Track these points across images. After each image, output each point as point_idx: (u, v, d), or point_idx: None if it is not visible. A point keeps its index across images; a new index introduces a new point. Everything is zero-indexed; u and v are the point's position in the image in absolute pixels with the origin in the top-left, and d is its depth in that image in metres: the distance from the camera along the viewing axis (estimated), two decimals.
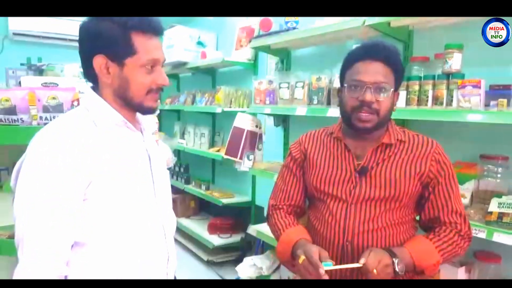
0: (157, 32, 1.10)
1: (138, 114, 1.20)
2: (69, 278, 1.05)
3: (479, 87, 1.56)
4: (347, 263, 1.26)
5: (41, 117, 1.47)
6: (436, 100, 1.76)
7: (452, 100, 1.70)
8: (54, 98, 1.47)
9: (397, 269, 1.18)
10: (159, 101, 1.16)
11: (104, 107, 1.10)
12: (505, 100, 1.48)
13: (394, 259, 1.19)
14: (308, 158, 1.43)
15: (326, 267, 1.16)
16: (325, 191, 1.34)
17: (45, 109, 1.47)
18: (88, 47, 1.07)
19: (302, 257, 1.21)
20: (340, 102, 1.35)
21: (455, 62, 1.71)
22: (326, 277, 1.15)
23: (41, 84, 1.56)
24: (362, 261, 1.18)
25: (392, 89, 1.27)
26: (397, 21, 1.99)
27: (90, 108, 1.10)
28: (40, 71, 4.14)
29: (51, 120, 1.46)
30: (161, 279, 1.20)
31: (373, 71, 1.24)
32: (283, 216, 1.45)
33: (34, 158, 1.00)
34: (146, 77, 1.08)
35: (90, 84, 1.15)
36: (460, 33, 1.91)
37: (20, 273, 0.99)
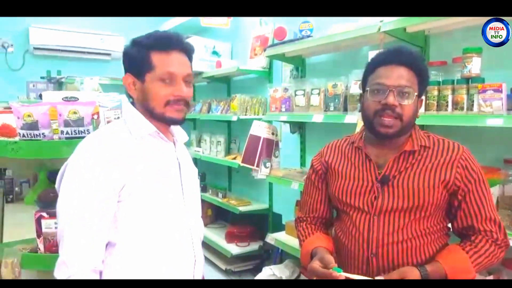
0: (178, 48, 1.20)
1: (172, 127, 1.31)
2: (101, 275, 1.14)
3: (501, 91, 1.53)
4: (372, 275, 1.24)
5: (62, 132, 1.50)
6: (456, 105, 1.72)
7: (472, 105, 1.67)
8: (75, 112, 1.49)
9: None
10: (183, 113, 1.24)
11: (139, 118, 1.21)
12: None
13: None
14: (331, 169, 1.41)
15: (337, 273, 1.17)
16: (348, 202, 1.32)
17: (66, 124, 1.49)
18: (124, 69, 1.23)
19: (315, 277, 1.22)
20: (362, 107, 1.32)
21: (474, 66, 1.69)
22: (342, 277, 1.16)
23: (62, 99, 1.59)
24: (378, 277, 1.17)
25: (416, 94, 1.24)
26: (412, 26, 1.97)
27: (127, 119, 1.23)
28: (59, 84, 4.24)
29: (72, 134, 1.49)
30: (164, 280, 1.25)
31: (397, 75, 1.22)
32: (305, 228, 1.47)
33: (75, 164, 1.13)
34: (163, 89, 1.17)
35: (130, 100, 1.29)
36: (477, 37, 1.87)
37: (59, 268, 1.09)
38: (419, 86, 1.25)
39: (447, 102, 1.76)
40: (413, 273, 1.18)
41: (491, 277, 1.71)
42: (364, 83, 1.33)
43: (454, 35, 1.99)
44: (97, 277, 1.12)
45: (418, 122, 1.81)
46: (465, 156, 1.26)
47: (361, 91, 1.37)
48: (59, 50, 4.57)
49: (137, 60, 1.18)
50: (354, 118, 2.11)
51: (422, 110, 1.83)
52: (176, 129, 1.34)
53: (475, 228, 1.25)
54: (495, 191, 1.70)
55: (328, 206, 1.47)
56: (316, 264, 1.21)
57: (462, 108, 1.70)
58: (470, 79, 1.70)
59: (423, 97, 1.36)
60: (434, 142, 1.29)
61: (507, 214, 1.60)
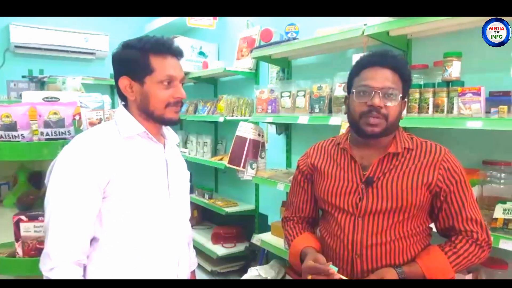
0: (172, 52, 1.25)
1: (164, 129, 1.35)
2: (85, 269, 1.19)
3: (479, 94, 1.56)
4: (356, 277, 1.25)
5: (42, 133, 1.48)
6: (437, 107, 1.75)
7: (453, 108, 1.70)
8: (55, 113, 1.48)
9: None
10: (179, 113, 1.29)
11: (129, 119, 1.25)
12: (505, 107, 1.48)
13: None
14: (317, 170, 1.43)
15: (333, 268, 1.19)
16: (333, 203, 1.33)
17: (46, 125, 1.47)
18: (116, 71, 1.26)
19: (309, 276, 1.23)
20: (347, 109, 1.34)
21: (454, 69, 1.71)
22: (336, 276, 1.19)
23: (43, 99, 1.57)
24: None
25: (400, 95, 1.26)
26: (395, 30, 2.00)
27: (118, 121, 1.26)
28: (41, 83, 4.15)
29: (52, 135, 1.48)
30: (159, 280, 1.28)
31: (382, 77, 1.24)
32: (292, 227, 1.49)
33: (63, 160, 1.18)
34: (163, 92, 1.23)
35: (123, 103, 1.32)
36: (457, 41, 1.92)
37: (43, 259, 1.14)
38: (403, 88, 1.28)
39: (428, 104, 1.78)
40: (390, 274, 1.20)
41: (470, 276, 1.74)
42: (349, 85, 1.34)
43: (435, 39, 2.02)
44: (80, 270, 1.17)
45: (400, 124, 1.84)
46: (447, 158, 1.28)
47: (346, 93, 1.38)
48: (41, 48, 4.47)
49: (135, 63, 1.22)
50: (339, 120, 2.13)
51: (404, 112, 1.86)
52: (167, 131, 1.38)
53: (456, 229, 1.27)
54: (474, 192, 1.73)
55: (313, 206, 1.49)
56: (311, 263, 1.23)
57: (442, 111, 1.73)
58: (450, 83, 1.73)
59: (406, 100, 1.38)
60: (417, 144, 1.31)
61: (485, 214, 1.63)
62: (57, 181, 1.16)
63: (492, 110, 1.52)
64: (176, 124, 1.32)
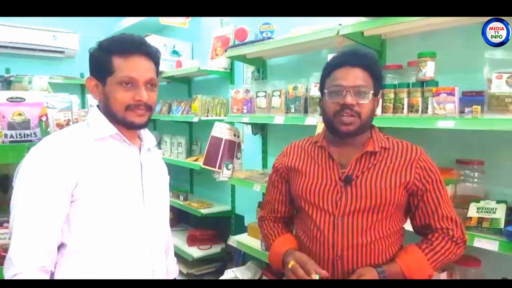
0: (141, 52, 1.19)
1: (142, 132, 1.32)
2: (53, 276, 1.14)
3: (454, 94, 1.58)
4: (337, 278, 1.26)
5: (6, 135, 1.40)
6: (412, 107, 1.77)
7: (427, 108, 1.71)
8: (20, 114, 1.40)
9: None
10: (145, 117, 1.22)
11: (101, 121, 1.21)
12: (479, 107, 1.50)
13: None
14: (293, 169, 1.42)
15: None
16: (312, 201, 1.33)
17: (11, 126, 1.40)
18: (89, 71, 1.23)
19: (292, 262, 1.24)
20: (322, 110, 1.36)
21: (428, 70, 1.73)
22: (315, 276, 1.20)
23: (7, 100, 1.49)
24: None
25: (372, 93, 1.28)
26: (370, 30, 2.01)
27: (90, 122, 1.22)
28: (8, 83, 3.97)
29: (17, 137, 1.40)
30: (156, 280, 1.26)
31: (352, 76, 1.26)
32: (272, 226, 1.49)
33: (28, 161, 1.13)
34: (122, 94, 1.17)
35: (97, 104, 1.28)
36: (431, 41, 1.94)
37: (6, 265, 1.08)
38: (374, 86, 1.30)
39: (403, 104, 1.80)
40: (371, 274, 1.21)
41: (444, 274, 1.76)
42: (322, 86, 1.36)
43: (410, 39, 2.04)
44: (46, 277, 1.10)
45: (375, 124, 1.86)
46: (423, 158, 1.31)
47: (320, 94, 1.39)
48: (7, 46, 4.28)
49: (99, 63, 1.19)
50: (314, 120, 2.12)
51: (379, 112, 1.87)
52: (145, 133, 1.34)
53: (432, 227, 1.30)
54: (447, 191, 1.76)
55: (289, 206, 1.49)
56: (301, 272, 1.23)
57: (417, 111, 1.75)
58: (424, 83, 1.75)
59: (379, 98, 1.42)
60: (394, 144, 1.34)
61: (459, 213, 1.65)
62: (22, 182, 1.11)
63: (466, 110, 1.54)
64: (141, 128, 1.28)
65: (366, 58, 1.30)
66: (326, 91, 1.31)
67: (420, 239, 1.35)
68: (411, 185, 1.28)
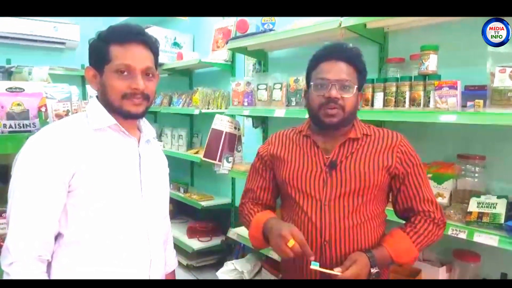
0: (138, 41, 1.18)
1: (141, 122, 1.31)
2: (50, 266, 1.14)
3: (456, 88, 1.57)
4: (325, 263, 1.27)
5: (5, 125, 1.39)
6: (413, 101, 1.75)
7: (429, 101, 1.70)
8: (19, 104, 1.39)
9: (372, 277, 1.23)
10: (142, 107, 1.21)
11: (100, 111, 1.20)
12: (481, 101, 1.49)
13: (372, 269, 1.23)
14: (278, 157, 1.44)
15: (314, 267, 1.20)
16: (297, 186, 1.35)
17: (10, 117, 1.39)
18: (88, 61, 1.22)
19: (292, 242, 1.20)
20: (307, 101, 1.40)
21: (431, 63, 1.72)
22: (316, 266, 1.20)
23: (6, 90, 1.47)
24: (337, 269, 1.21)
25: (356, 87, 1.32)
26: (372, 23, 1.99)
27: (89, 112, 1.21)
28: (9, 74, 3.96)
29: (16, 128, 1.39)
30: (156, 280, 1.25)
31: (337, 70, 1.30)
32: (251, 208, 1.48)
33: (26, 151, 1.13)
34: (119, 82, 1.16)
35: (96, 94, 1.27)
36: (434, 34, 1.92)
37: (3, 253, 1.08)
38: (358, 80, 1.34)
39: (404, 98, 1.78)
40: (363, 260, 1.24)
41: (443, 268, 1.76)
42: (308, 78, 1.40)
43: (413, 32, 2.02)
44: (43, 266, 1.11)
45: (377, 117, 1.85)
46: (404, 143, 1.37)
47: (305, 86, 1.42)
48: (8, 37, 4.26)
49: (97, 52, 1.18)
50: None
51: (380, 106, 1.86)
52: (144, 125, 1.33)
53: (415, 209, 1.36)
54: (448, 185, 1.76)
55: (272, 194, 1.50)
56: (299, 236, 1.21)
57: (419, 104, 1.74)
58: (427, 76, 1.74)
59: (363, 92, 1.47)
60: (375, 131, 1.40)
61: (460, 208, 1.65)
62: (20, 172, 1.11)
63: (468, 104, 1.53)
64: (138, 118, 1.26)
65: (351, 52, 1.34)
66: (312, 83, 1.34)
67: (403, 224, 1.39)
68: (393, 168, 1.33)
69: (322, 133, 1.38)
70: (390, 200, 1.43)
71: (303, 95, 1.47)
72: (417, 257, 1.34)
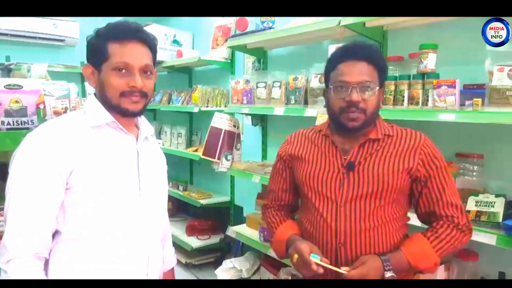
0: (136, 38, 1.17)
1: (139, 120, 1.30)
2: (47, 263, 1.14)
3: (454, 87, 1.57)
4: (341, 265, 1.25)
5: (2, 122, 1.39)
6: (412, 100, 1.75)
7: (428, 100, 1.70)
8: (17, 101, 1.39)
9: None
10: (141, 104, 1.21)
11: (98, 108, 1.19)
12: (479, 100, 1.49)
13: (386, 273, 1.19)
14: (296, 157, 1.43)
15: (314, 259, 1.20)
16: (315, 188, 1.33)
17: (8, 114, 1.39)
18: (86, 59, 1.22)
19: (296, 256, 1.25)
20: (327, 103, 1.35)
21: (430, 62, 1.72)
22: (320, 270, 1.20)
23: (4, 87, 1.47)
24: (345, 268, 1.20)
25: (377, 87, 1.27)
26: (372, 21, 1.99)
27: (87, 109, 1.21)
28: (8, 71, 3.96)
29: (14, 125, 1.39)
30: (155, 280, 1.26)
31: (357, 71, 1.25)
32: (274, 215, 1.50)
33: (24, 148, 1.12)
34: (117, 80, 1.16)
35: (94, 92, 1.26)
36: (433, 33, 1.92)
37: (1, 251, 1.07)
38: (379, 78, 1.29)
39: (403, 97, 1.78)
40: (374, 261, 1.21)
41: (442, 267, 1.76)
42: (326, 79, 1.35)
43: (412, 31, 2.02)
44: (40, 264, 1.11)
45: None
46: (427, 144, 1.30)
47: (321, 85, 1.40)
48: (7, 34, 4.26)
49: (95, 49, 1.18)
50: (314, 111, 2.11)
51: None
52: (142, 122, 1.32)
53: (437, 214, 1.29)
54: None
55: (293, 194, 1.50)
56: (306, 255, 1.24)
57: (417, 103, 1.74)
58: (425, 75, 1.73)
59: (384, 88, 1.41)
60: (397, 131, 1.34)
61: None
62: (17, 169, 1.11)
63: (467, 102, 1.53)
64: (137, 115, 1.26)
65: (371, 50, 1.29)
66: (331, 86, 1.29)
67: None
68: (414, 171, 1.27)
69: (341, 133, 1.34)
70: (412, 203, 1.38)
71: (322, 95, 1.42)
72: (438, 263, 1.27)
